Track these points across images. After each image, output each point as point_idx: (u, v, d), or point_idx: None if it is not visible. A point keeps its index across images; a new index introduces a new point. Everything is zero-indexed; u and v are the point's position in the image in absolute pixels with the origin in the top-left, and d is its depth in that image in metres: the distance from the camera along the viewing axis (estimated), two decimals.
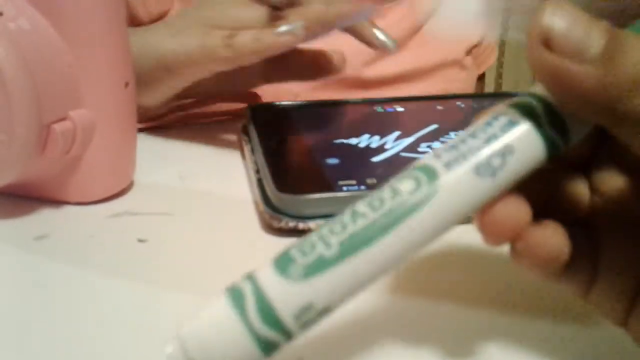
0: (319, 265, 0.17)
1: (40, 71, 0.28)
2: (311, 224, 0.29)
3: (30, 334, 0.23)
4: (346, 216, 0.18)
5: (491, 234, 0.19)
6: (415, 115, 0.40)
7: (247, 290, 0.17)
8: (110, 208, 0.33)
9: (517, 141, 0.18)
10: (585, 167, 0.21)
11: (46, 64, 0.29)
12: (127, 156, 0.34)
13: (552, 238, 0.19)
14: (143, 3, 0.51)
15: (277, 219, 0.30)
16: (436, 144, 0.35)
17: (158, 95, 0.39)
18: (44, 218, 0.32)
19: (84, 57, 0.30)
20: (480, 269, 0.28)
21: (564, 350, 0.23)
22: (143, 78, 0.38)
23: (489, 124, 0.18)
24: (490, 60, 0.66)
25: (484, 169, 0.18)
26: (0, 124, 0.28)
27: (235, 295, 0.17)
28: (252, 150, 0.36)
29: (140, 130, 0.39)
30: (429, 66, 0.57)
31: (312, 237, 0.18)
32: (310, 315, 0.17)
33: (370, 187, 0.30)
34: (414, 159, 0.19)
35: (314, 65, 0.40)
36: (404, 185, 0.18)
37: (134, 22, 0.52)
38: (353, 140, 0.36)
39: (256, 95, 0.48)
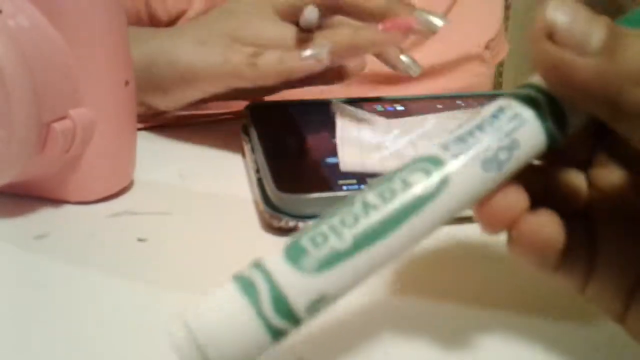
0: (333, 258, 0.17)
1: (39, 69, 0.28)
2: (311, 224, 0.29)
3: (30, 333, 0.23)
4: (357, 207, 0.18)
5: (490, 223, 0.19)
6: (416, 114, 0.40)
7: (259, 279, 0.17)
8: (110, 207, 0.32)
9: (523, 135, 0.18)
10: (584, 161, 0.21)
11: (46, 62, 0.29)
12: (127, 155, 0.34)
13: (546, 225, 0.19)
14: (162, 2, 0.51)
15: (277, 218, 0.30)
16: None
17: (173, 102, 0.39)
18: (44, 217, 0.32)
19: (84, 55, 0.30)
20: (478, 266, 0.28)
21: (561, 346, 0.23)
22: (159, 83, 0.38)
23: (495, 116, 0.18)
24: (503, 52, 0.66)
25: (491, 163, 0.18)
26: (0, 122, 0.28)
27: (246, 284, 0.17)
28: (252, 150, 0.36)
29: (140, 129, 0.39)
30: (452, 60, 0.57)
31: (322, 227, 0.18)
32: (321, 305, 0.18)
33: None
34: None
35: (334, 70, 0.40)
36: (414, 177, 0.18)
37: (153, 21, 0.52)
38: None
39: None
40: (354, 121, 0.37)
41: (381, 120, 0.38)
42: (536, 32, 0.17)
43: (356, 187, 0.30)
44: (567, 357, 0.22)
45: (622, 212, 0.20)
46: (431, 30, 0.35)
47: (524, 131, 0.18)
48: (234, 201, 0.34)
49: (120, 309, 0.25)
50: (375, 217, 0.17)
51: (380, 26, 0.35)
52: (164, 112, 0.42)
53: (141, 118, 0.42)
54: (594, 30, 0.16)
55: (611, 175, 0.21)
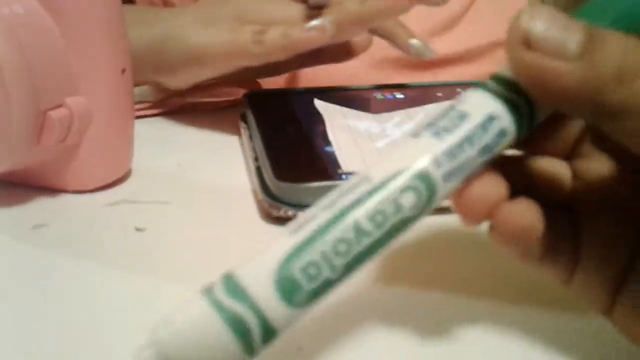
0: (324, 289, 0.17)
1: (35, 57, 0.28)
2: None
3: (29, 324, 0.23)
4: (349, 233, 0.17)
5: (468, 213, 0.19)
6: (415, 102, 0.40)
7: (250, 317, 0.17)
8: (108, 196, 0.32)
9: (502, 147, 0.18)
10: (568, 152, 0.21)
11: (41, 50, 0.29)
12: (125, 144, 0.34)
13: (524, 212, 0.19)
14: None
15: (276, 207, 0.30)
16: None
17: (182, 81, 0.39)
18: (42, 207, 0.31)
19: (80, 43, 0.30)
20: (463, 256, 0.28)
21: (546, 336, 0.23)
22: (168, 63, 0.38)
23: (485, 129, 0.18)
24: None
25: (473, 174, 0.18)
26: None
27: (234, 320, 0.17)
28: (251, 138, 0.36)
29: (138, 117, 0.39)
30: (483, 46, 0.57)
31: (315, 257, 0.17)
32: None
33: None
34: None
35: (341, 46, 0.39)
36: (406, 199, 0.18)
37: (167, 5, 0.52)
38: None
39: (256, 82, 0.47)
40: (340, 117, 0.37)
41: (367, 116, 0.37)
42: (512, 41, 0.17)
43: None
44: (552, 346, 0.22)
45: (607, 203, 0.20)
46: None
47: (504, 143, 0.18)
48: (233, 190, 0.33)
49: (118, 298, 0.25)
50: (366, 242, 0.17)
51: None
52: (166, 99, 0.41)
53: (141, 107, 0.42)
54: (571, 35, 0.16)
55: (595, 166, 0.21)
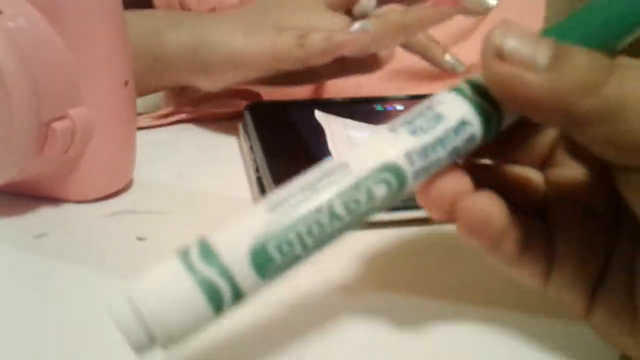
0: (292, 263, 0.18)
1: (39, 69, 0.28)
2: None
3: (29, 333, 0.23)
4: (325, 218, 0.18)
5: (430, 206, 0.20)
6: None
7: (222, 284, 0.18)
8: (109, 206, 0.33)
9: (470, 150, 0.20)
10: (541, 159, 0.22)
11: (45, 63, 0.29)
12: (127, 154, 0.34)
13: (484, 201, 0.20)
14: (197, 2, 0.51)
15: None
16: None
17: (213, 83, 0.39)
18: (44, 216, 0.32)
19: (84, 55, 0.30)
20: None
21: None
22: (202, 65, 0.38)
23: (457, 132, 0.19)
24: None
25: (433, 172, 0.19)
26: None
27: (207, 285, 0.18)
28: (252, 149, 0.36)
29: (140, 128, 0.39)
30: None
31: (289, 234, 0.18)
32: None
33: None
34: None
35: (371, 58, 0.40)
36: (378, 189, 0.19)
37: (184, 8, 0.52)
38: None
39: (257, 94, 0.48)
40: (341, 128, 0.37)
41: (367, 127, 0.38)
42: (485, 54, 0.18)
43: None
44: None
45: (581, 208, 0.21)
46: (483, 7, 0.35)
47: (470, 148, 0.19)
48: (234, 200, 0.34)
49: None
50: (337, 226, 0.18)
51: (429, 2, 0.35)
52: (172, 112, 0.41)
53: (147, 116, 0.42)
54: (540, 48, 0.17)
55: (569, 173, 0.21)
